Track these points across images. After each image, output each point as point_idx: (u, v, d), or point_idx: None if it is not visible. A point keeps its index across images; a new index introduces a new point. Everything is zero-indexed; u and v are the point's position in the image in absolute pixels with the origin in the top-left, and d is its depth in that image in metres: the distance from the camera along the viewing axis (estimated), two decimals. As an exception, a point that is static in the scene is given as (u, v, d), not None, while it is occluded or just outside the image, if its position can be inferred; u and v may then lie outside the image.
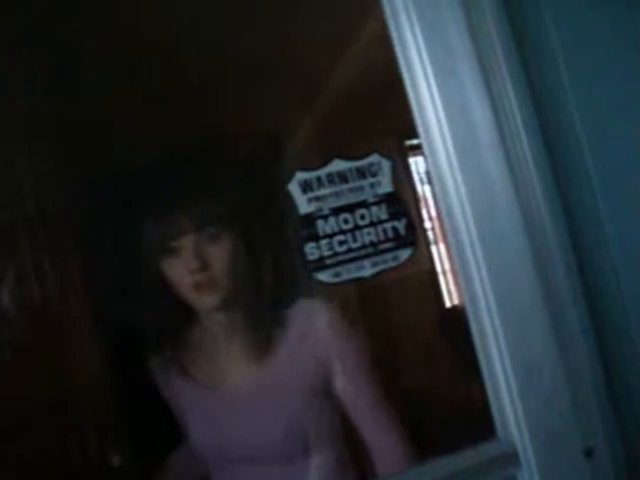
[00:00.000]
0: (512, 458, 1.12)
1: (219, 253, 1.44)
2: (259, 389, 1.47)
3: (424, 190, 3.08)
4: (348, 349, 1.47)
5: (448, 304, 3.15)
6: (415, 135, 1.18)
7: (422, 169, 3.02)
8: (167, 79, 1.92)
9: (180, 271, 1.44)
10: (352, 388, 1.47)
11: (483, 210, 1.13)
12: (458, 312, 2.87)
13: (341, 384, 1.47)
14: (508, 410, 1.13)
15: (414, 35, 1.14)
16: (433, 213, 3.10)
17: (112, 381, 1.80)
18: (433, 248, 3.13)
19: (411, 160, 3.07)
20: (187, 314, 1.53)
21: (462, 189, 1.13)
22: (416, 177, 3.08)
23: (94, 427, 1.77)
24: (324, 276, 1.13)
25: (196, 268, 1.42)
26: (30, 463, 1.59)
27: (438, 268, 3.15)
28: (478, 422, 1.24)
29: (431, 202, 3.05)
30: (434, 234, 3.12)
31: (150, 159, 1.91)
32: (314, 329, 1.47)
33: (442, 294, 3.12)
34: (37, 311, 1.74)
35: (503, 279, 1.12)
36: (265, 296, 1.49)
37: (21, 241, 1.74)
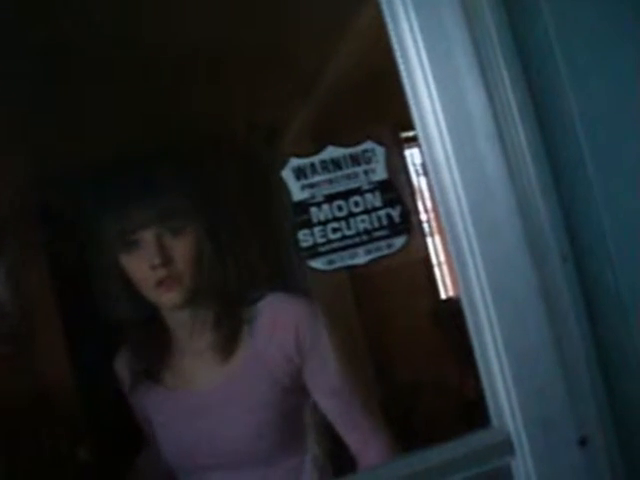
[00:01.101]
0: (506, 447, 1.11)
1: (182, 247, 1.37)
2: (227, 388, 1.42)
3: (419, 182, 3.09)
4: (319, 344, 1.42)
5: (443, 295, 3.16)
6: (410, 127, 1.18)
7: (418, 161, 3.03)
8: (149, 68, 1.91)
9: (141, 267, 1.37)
10: (323, 383, 1.44)
11: (478, 199, 1.12)
12: (453, 303, 2.88)
13: (312, 379, 1.44)
14: (502, 399, 1.12)
15: (410, 23, 1.13)
16: (429, 205, 3.12)
17: (77, 380, 1.77)
18: (428, 240, 3.14)
19: (407, 152, 3.08)
20: (150, 312, 1.46)
21: (457, 178, 1.12)
22: (412, 169, 3.09)
23: (59, 424, 1.76)
24: (317, 264, 1.12)
25: (158, 264, 1.34)
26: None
27: (433, 260, 3.16)
28: (471, 412, 1.24)
29: (427, 194, 3.06)
30: (429, 226, 3.13)
31: (112, 152, 1.88)
32: (282, 323, 1.42)
33: (437, 285, 3.14)
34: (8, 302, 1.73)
35: (498, 268, 1.12)
36: (232, 292, 1.44)
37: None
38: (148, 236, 1.36)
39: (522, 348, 1.12)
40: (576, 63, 1.20)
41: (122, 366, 1.54)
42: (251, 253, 1.50)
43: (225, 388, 1.42)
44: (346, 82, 2.39)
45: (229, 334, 1.43)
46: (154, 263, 1.35)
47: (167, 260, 1.35)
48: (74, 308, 1.79)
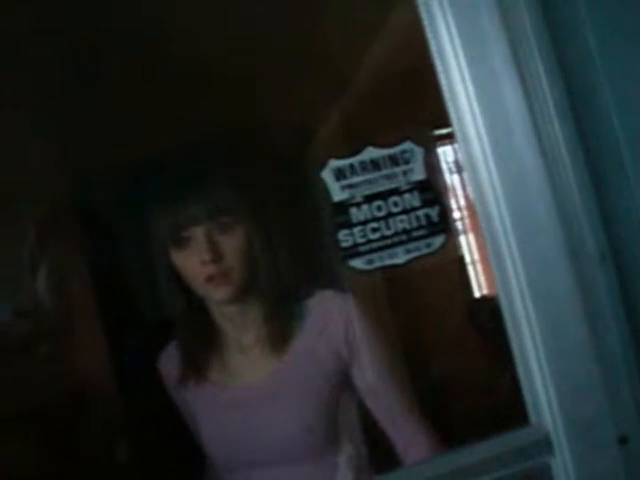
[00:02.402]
0: (545, 445, 1.12)
1: (233, 244, 1.40)
2: (277, 383, 1.44)
3: (452, 180, 3.07)
4: (367, 341, 1.44)
5: (477, 294, 3.14)
6: (443, 124, 1.18)
7: (450, 158, 3.01)
8: (191, 68, 1.93)
9: (192, 263, 1.40)
10: (371, 380, 1.45)
11: (516, 197, 1.12)
12: (487, 302, 2.87)
13: (360, 376, 1.46)
14: (541, 397, 1.12)
15: (446, 22, 1.14)
16: (462, 203, 3.10)
17: (117, 379, 1.79)
18: (462, 238, 3.13)
19: (439, 150, 3.06)
20: (199, 307, 1.49)
21: (495, 176, 1.12)
22: (444, 167, 3.07)
23: (99, 422, 1.78)
24: (357, 263, 1.13)
25: (209, 260, 1.37)
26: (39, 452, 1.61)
27: (467, 258, 3.14)
28: (507, 411, 1.24)
29: (460, 192, 3.05)
30: (463, 224, 3.12)
31: (163, 148, 1.90)
32: (332, 320, 1.45)
33: (471, 284, 3.12)
34: (50, 302, 1.75)
35: (536, 266, 1.12)
36: (281, 288, 1.45)
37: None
38: (199, 232, 1.39)
39: (561, 346, 1.12)
40: (613, 59, 1.19)
41: (168, 364, 1.55)
42: (301, 249, 1.51)
43: (275, 383, 1.44)
44: (378, 81, 2.39)
45: (279, 330, 1.45)
46: (205, 259, 1.37)
47: (217, 256, 1.38)
48: (115, 307, 1.81)
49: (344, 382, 1.47)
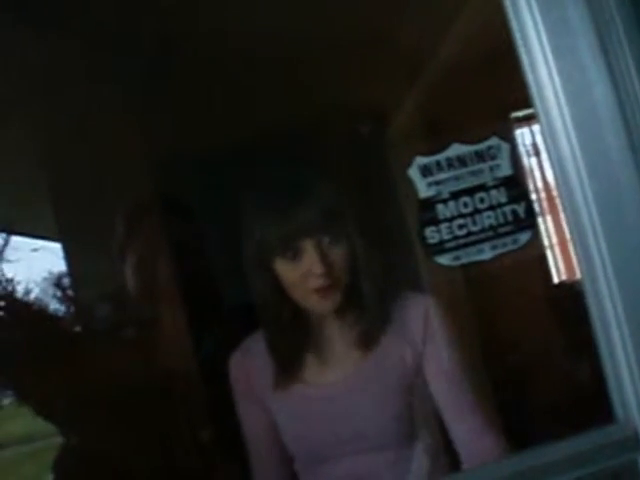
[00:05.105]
0: (633, 442, 1.10)
1: (340, 253, 1.40)
2: (365, 377, 1.47)
3: (530, 162, 3.03)
4: (442, 339, 1.47)
5: (556, 279, 3.10)
6: (519, 107, 1.17)
7: (528, 141, 2.97)
8: (279, 64, 1.95)
9: (300, 273, 1.39)
10: (439, 369, 1.48)
11: (603, 188, 1.10)
12: (566, 287, 2.82)
13: (429, 363, 1.48)
14: (629, 392, 1.10)
15: (531, 13, 1.12)
16: (539, 185, 3.06)
17: (199, 365, 1.82)
18: (539, 220, 3.07)
19: (517, 132, 3.02)
20: (294, 312, 1.48)
21: (582, 167, 1.10)
22: (522, 149, 3.03)
23: (182, 407, 1.82)
24: (444, 260, 1.14)
25: (320, 273, 1.36)
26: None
27: (545, 242, 3.09)
28: (590, 404, 1.23)
29: (537, 174, 3.01)
30: (540, 207, 3.07)
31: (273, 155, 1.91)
32: (412, 319, 1.48)
33: (549, 269, 3.07)
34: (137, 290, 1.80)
35: (623, 256, 1.09)
36: (375, 293, 1.46)
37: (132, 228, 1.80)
38: (310, 244, 1.37)
39: (649, 338, 1.10)
40: None
41: (250, 369, 1.56)
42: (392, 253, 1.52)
43: (364, 376, 1.47)
44: (455, 64, 2.37)
45: (369, 329, 1.47)
46: (316, 272, 1.37)
47: (328, 269, 1.37)
48: (198, 296, 1.85)
49: (420, 374, 1.49)
